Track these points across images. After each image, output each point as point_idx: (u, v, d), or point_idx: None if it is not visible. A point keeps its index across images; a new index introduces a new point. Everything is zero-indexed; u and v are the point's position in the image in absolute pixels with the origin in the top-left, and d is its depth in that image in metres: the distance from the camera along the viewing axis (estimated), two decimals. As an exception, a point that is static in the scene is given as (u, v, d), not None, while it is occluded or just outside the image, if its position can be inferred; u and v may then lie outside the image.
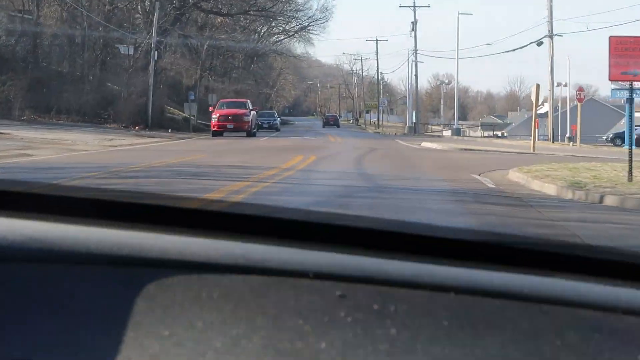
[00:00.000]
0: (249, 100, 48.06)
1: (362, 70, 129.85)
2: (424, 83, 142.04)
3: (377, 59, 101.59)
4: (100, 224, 1.11)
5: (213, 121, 42.88)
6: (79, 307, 0.96)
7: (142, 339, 0.92)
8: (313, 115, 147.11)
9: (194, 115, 51.89)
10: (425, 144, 37.19)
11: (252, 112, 44.99)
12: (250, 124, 43.20)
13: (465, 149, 32.46)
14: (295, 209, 1.22)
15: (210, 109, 46.38)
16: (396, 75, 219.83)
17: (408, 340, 0.93)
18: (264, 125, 58.05)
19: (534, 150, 32.14)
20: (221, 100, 48.09)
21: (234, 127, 42.18)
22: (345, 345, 0.92)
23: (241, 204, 1.20)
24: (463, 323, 0.97)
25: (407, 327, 0.95)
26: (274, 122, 61.97)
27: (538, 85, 33.31)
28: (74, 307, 0.96)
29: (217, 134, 42.11)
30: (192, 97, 52.08)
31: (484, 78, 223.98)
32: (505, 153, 30.46)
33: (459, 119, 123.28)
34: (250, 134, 43.06)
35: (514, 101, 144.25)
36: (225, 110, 43.44)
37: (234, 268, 1.03)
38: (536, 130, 34.49)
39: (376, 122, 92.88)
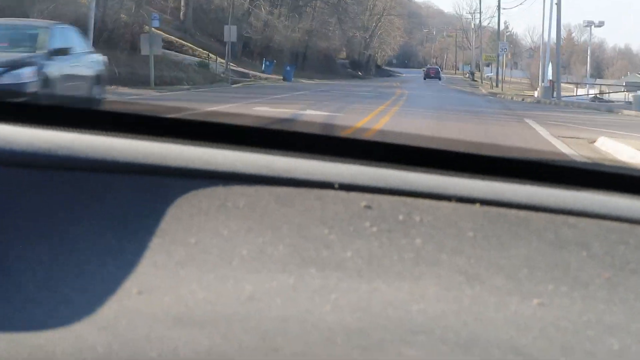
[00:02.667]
0: None
1: (480, 11, 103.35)
2: (553, 34, 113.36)
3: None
4: (125, 136, 1.04)
5: None
6: (105, 213, 0.92)
7: (168, 245, 0.88)
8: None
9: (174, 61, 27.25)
10: (621, 150, 11.16)
11: None
12: None
13: None
14: (320, 123, 1.22)
15: None
16: (522, 26, 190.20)
17: (433, 250, 0.90)
18: None
19: None
20: None
21: None
22: (370, 255, 0.88)
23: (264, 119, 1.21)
24: (488, 234, 0.93)
25: (432, 238, 0.91)
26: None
27: None
28: (99, 213, 0.92)
29: None
30: (156, 23, 27.46)
31: (618, 32, 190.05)
32: None
33: (592, 76, 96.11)
34: None
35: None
36: None
37: (259, 178, 0.99)
38: None
39: (494, 78, 65.02)
